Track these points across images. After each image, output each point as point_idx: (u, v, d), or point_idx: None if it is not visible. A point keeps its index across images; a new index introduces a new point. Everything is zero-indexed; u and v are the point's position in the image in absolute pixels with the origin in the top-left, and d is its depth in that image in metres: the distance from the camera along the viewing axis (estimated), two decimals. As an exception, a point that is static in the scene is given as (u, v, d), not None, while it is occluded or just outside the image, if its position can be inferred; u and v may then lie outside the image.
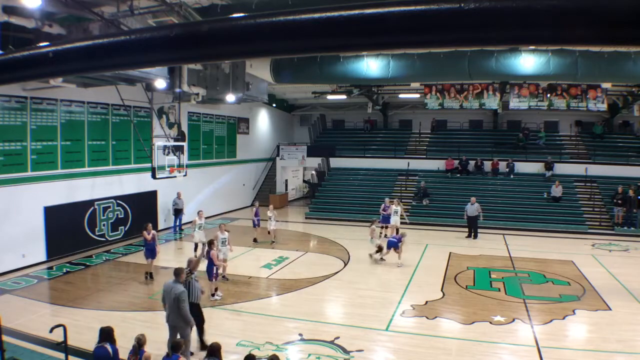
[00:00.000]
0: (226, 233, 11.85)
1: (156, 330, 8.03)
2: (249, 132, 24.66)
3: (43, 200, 13.02)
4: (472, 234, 17.07)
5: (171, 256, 14.19)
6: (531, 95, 20.15)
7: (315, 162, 25.49)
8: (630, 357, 7.58)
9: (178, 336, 6.78)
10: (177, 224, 17.66)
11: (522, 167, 21.90)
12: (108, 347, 5.80)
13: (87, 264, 13.27)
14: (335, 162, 24.76)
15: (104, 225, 15.17)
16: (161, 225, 17.71)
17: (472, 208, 16.86)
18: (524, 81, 19.36)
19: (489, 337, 8.37)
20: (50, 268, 12.73)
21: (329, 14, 2.33)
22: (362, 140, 26.02)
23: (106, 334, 5.88)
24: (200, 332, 7.88)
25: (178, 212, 17.59)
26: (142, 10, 10.20)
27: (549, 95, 19.99)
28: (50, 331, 6.27)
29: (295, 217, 22.46)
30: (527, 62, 14.20)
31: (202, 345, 7.67)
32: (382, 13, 2.23)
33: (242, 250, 14.67)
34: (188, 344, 7.01)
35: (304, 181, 29.20)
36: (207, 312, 9.57)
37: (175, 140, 15.77)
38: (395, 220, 16.37)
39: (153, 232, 11.97)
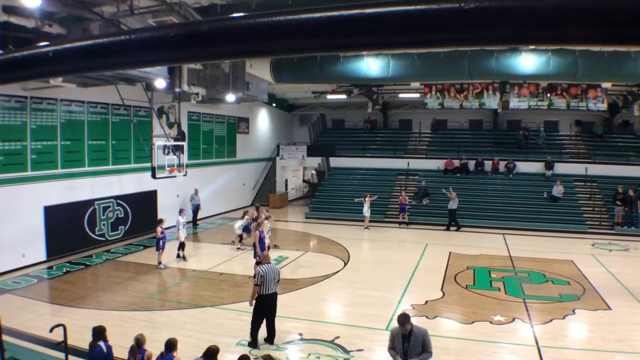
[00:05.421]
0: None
1: (156, 330, 8.04)
2: (249, 131, 24.65)
3: (43, 199, 13.00)
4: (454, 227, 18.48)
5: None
6: (531, 95, 20.11)
7: (315, 161, 25.47)
8: (630, 357, 7.57)
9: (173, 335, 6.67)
10: (194, 219, 18.70)
11: (522, 167, 21.89)
12: (102, 345, 5.81)
13: (87, 263, 13.27)
14: (335, 162, 24.74)
15: (103, 224, 15.17)
16: (161, 224, 17.73)
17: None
18: (524, 81, 19.34)
19: (488, 336, 8.37)
20: (50, 268, 12.73)
21: (329, 13, 2.33)
22: (362, 140, 26.01)
23: (99, 333, 5.91)
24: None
25: (196, 208, 18.68)
26: (142, 9, 10.20)
27: (549, 94, 19.95)
28: (50, 331, 6.28)
29: (295, 217, 22.44)
30: (527, 61, 14.19)
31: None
32: (382, 13, 2.23)
33: (242, 250, 14.68)
34: None
35: (304, 181, 29.18)
36: (207, 311, 9.63)
37: (175, 139, 15.73)
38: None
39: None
